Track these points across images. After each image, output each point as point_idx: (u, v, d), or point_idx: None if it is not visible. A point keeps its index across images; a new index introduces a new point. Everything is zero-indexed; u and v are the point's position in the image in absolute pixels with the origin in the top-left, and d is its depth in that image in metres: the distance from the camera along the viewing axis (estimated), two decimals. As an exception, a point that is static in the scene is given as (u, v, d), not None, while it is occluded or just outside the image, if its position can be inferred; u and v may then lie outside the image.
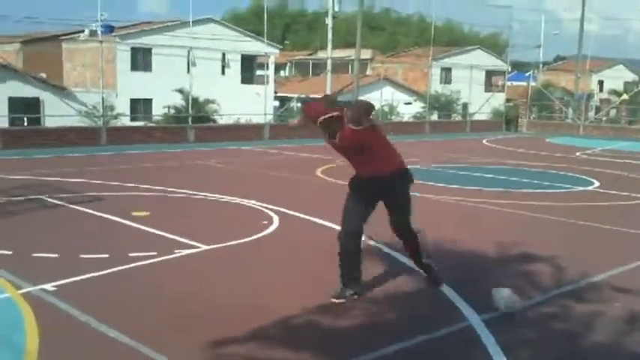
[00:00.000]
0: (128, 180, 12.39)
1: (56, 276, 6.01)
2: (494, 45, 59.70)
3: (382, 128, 6.29)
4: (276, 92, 39.45)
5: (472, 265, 7.17)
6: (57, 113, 23.37)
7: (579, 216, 10.11)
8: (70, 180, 12.30)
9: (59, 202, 9.85)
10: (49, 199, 10.06)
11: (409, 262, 6.88)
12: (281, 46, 45.82)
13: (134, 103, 32.51)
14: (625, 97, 43.95)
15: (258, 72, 38.80)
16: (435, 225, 9.28)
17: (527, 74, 41.36)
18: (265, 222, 8.79)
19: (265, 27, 27.67)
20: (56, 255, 6.82)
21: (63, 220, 8.83)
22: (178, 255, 6.98)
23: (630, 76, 59.51)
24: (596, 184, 14.02)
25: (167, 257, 6.86)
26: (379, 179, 5.76)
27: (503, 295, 5.59)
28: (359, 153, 5.71)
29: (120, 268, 6.40)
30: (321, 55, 45.56)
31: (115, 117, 26.18)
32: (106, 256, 6.78)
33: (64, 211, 9.33)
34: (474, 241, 8.06)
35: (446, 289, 6.04)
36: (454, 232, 8.68)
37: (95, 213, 9.11)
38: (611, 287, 6.33)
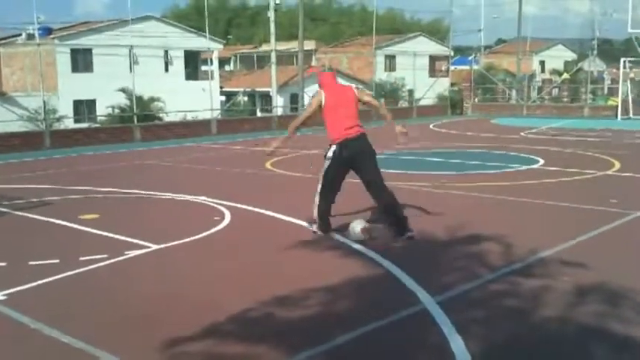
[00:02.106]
0: (75, 183, 12.17)
1: (5, 284, 5.88)
2: (437, 31, 60.32)
3: None
4: (222, 87, 39.21)
5: (423, 247, 7.25)
6: (-3, 119, 22.85)
7: (526, 194, 10.32)
8: (15, 186, 12.03)
9: (4, 210, 9.62)
10: (-6, 207, 9.83)
11: (363, 249, 6.96)
12: (224, 41, 45.56)
13: (77, 104, 31.99)
14: (566, 76, 44.96)
15: (203, 67, 38.51)
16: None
17: (469, 58, 41.92)
18: (217, 218, 8.74)
19: (207, 22, 27.42)
20: (4, 263, 6.67)
21: (9, 227, 8.63)
22: (129, 256, 6.90)
23: (570, 56, 60.92)
24: (541, 161, 14.32)
25: (118, 259, 6.77)
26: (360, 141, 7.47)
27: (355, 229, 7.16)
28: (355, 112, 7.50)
29: (71, 272, 6.29)
30: (265, 48, 45.36)
31: (58, 120, 25.75)
32: (56, 261, 6.66)
33: (10, 219, 9.12)
34: (423, 224, 8.14)
35: (398, 273, 6.11)
36: (405, 217, 8.76)
37: (42, 218, 8.94)
38: (559, 262, 6.48)
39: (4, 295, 5.64)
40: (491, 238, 7.41)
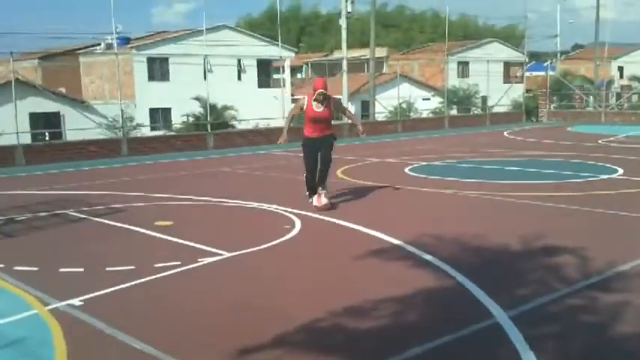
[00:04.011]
0: (150, 190, 12.47)
1: (83, 290, 6.05)
2: (511, 36, 59.34)
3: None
4: (293, 95, 39.52)
5: (496, 260, 7.11)
6: (77, 127, 23.63)
7: (604, 204, 10.00)
8: (93, 192, 12.41)
9: (83, 216, 9.95)
10: (73, 213, 10.16)
11: (433, 260, 6.88)
12: (296, 49, 45.96)
13: (153, 112, 32.79)
14: (646, 82, 43.43)
15: (275, 75, 38.92)
16: (456, 219, 9.30)
17: (545, 64, 40.99)
18: (287, 226, 8.80)
19: (279, 31, 27.71)
20: (82, 269, 6.87)
21: (87, 233, 8.89)
22: (202, 263, 7.01)
23: (651, 61, 58.78)
24: (620, 171, 13.86)
25: (191, 266, 6.89)
26: (318, 137, 10.15)
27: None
28: (324, 121, 10.17)
29: (145, 279, 6.44)
30: (336, 55, 45.53)
31: (135, 127, 26.43)
32: (132, 267, 6.83)
33: (88, 225, 9.40)
34: (498, 236, 8.01)
35: (471, 286, 6.00)
36: (477, 226, 8.64)
37: (119, 225, 9.18)
38: (639, 276, 6.25)
39: (80, 300, 5.80)
40: (567, 249, 7.21)
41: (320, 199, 10.10)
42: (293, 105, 11.20)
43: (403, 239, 7.78)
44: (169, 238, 8.25)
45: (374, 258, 7.15)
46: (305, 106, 10.18)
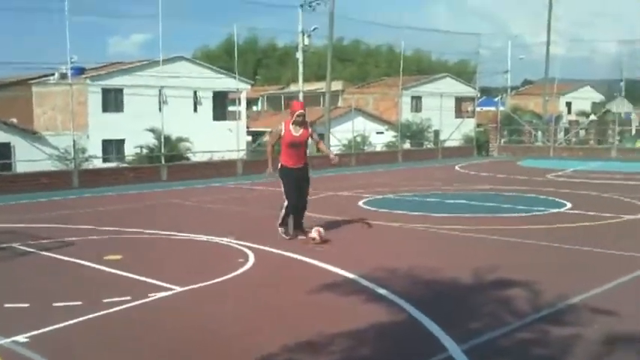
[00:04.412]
0: (101, 223, 12.25)
1: (29, 327, 5.87)
2: (463, 72, 60.48)
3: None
4: (248, 127, 39.54)
5: (448, 293, 7.15)
6: (28, 158, 23.19)
7: (554, 238, 10.17)
8: (42, 226, 12.13)
9: (30, 250, 9.69)
10: (20, 247, 9.89)
11: (386, 293, 6.88)
12: (252, 81, 46.05)
13: (106, 144, 32.43)
14: (593, 117, 44.68)
15: (231, 108, 38.90)
16: (406, 253, 9.38)
17: (495, 99, 41.83)
18: (241, 260, 8.71)
19: (236, 63, 27.75)
20: (28, 304, 6.68)
21: (34, 268, 8.67)
22: (153, 298, 6.87)
23: (597, 97, 60.60)
24: (569, 205, 14.14)
25: (142, 301, 6.74)
26: (300, 168, 10.11)
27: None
28: (302, 146, 10.15)
29: (94, 315, 6.28)
30: (292, 88, 45.85)
31: (87, 159, 26.02)
32: (79, 303, 6.66)
33: (35, 259, 9.17)
34: (449, 269, 8.06)
35: (425, 320, 6.01)
36: (427, 260, 8.71)
37: (67, 259, 8.97)
38: (589, 309, 6.34)
39: (25, 337, 5.62)
40: (519, 283, 7.29)
41: (314, 233, 9.89)
42: (271, 132, 11.10)
43: (357, 273, 7.77)
44: (119, 272, 8.09)
45: (328, 292, 7.11)
46: (283, 132, 10.02)
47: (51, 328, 5.90)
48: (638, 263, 8.35)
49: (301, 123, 10.03)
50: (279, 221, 10.31)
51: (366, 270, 7.92)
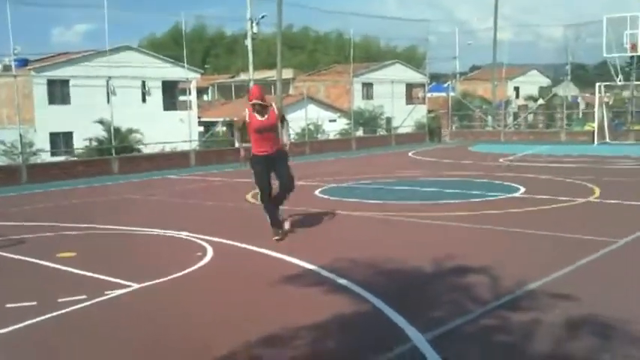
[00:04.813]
0: (52, 219, 11.95)
1: (-20, 330, 5.68)
2: (412, 58, 60.92)
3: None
4: (199, 117, 39.11)
5: (409, 282, 7.15)
6: (-28, 153, 22.54)
7: (511, 223, 10.28)
8: (-10, 223, 11.78)
9: (-21, 249, 9.39)
10: (-32, 246, 9.58)
11: (348, 284, 6.85)
12: (202, 70, 45.58)
13: (54, 137, 31.75)
14: (541, 101, 45.45)
15: (181, 97, 38.45)
16: (365, 242, 9.35)
17: (445, 85, 42.21)
18: (199, 253, 8.58)
19: (185, 51, 27.37)
20: (-21, 307, 6.47)
21: (-16, 267, 8.40)
22: (109, 296, 6.71)
23: (544, 81, 61.74)
24: (522, 189, 14.32)
25: (98, 300, 6.58)
26: (271, 155, 9.42)
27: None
28: (271, 131, 9.40)
29: (49, 315, 6.10)
30: (242, 77, 45.47)
31: (35, 153, 25.41)
32: (34, 303, 6.47)
33: (-15, 258, 8.88)
34: (409, 257, 8.06)
35: (387, 310, 5.99)
36: (387, 249, 8.71)
37: (18, 257, 8.71)
38: (550, 293, 6.40)
39: (-21, 341, 5.44)
40: (479, 270, 7.33)
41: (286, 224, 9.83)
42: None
43: (317, 264, 7.72)
44: (74, 270, 7.89)
45: (289, 284, 7.05)
46: (247, 117, 9.33)
47: (4, 330, 5.71)
48: (596, 246, 8.48)
49: (261, 110, 9.30)
50: (269, 221, 9.67)
51: (327, 260, 7.88)
